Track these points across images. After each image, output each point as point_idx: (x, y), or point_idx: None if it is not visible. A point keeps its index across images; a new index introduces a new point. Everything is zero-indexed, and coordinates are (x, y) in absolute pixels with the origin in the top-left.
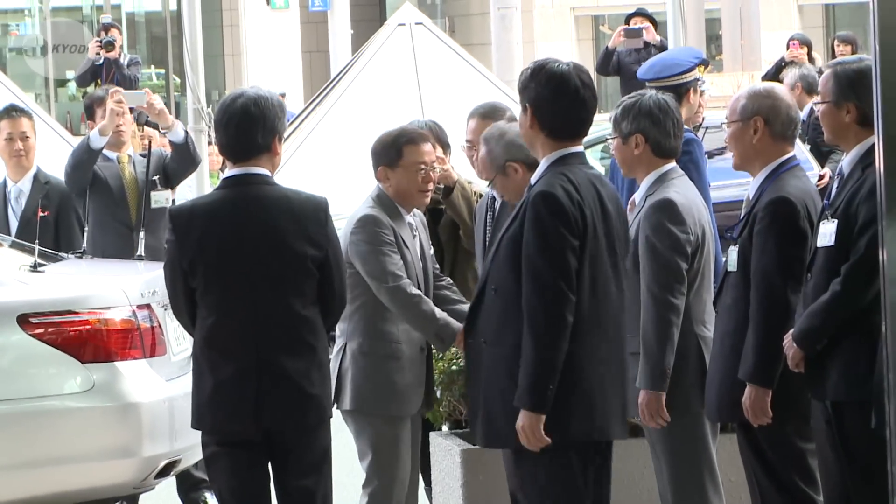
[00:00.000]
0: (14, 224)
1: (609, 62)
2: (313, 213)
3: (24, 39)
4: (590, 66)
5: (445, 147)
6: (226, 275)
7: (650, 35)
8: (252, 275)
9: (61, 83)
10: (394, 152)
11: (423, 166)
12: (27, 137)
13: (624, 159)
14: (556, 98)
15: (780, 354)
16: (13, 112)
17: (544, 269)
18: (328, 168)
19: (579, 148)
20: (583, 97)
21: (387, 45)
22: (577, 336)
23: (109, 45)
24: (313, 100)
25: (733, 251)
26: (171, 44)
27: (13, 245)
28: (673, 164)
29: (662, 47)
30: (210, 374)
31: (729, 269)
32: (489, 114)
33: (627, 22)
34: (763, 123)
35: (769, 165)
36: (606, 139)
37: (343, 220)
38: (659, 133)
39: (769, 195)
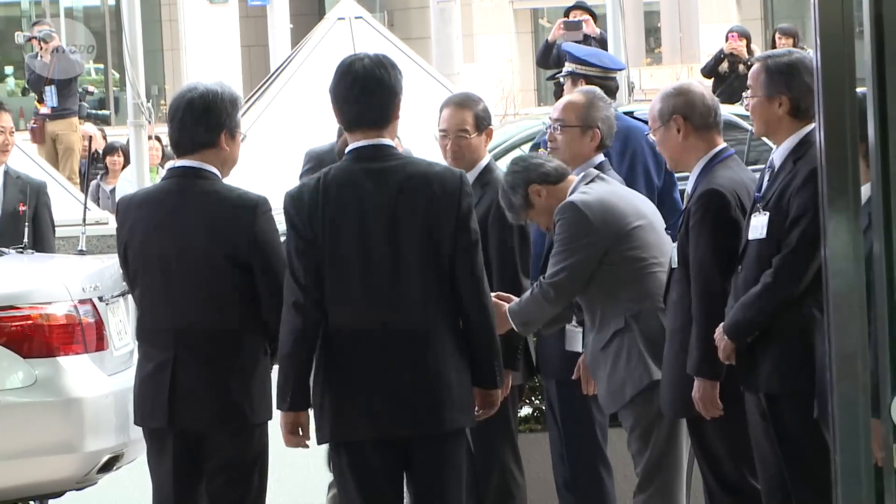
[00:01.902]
0: None
1: (549, 55)
2: (240, 212)
3: None
4: (529, 59)
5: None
6: (147, 267)
7: (590, 28)
8: (170, 270)
9: (1, 78)
10: None
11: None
12: (11, 132)
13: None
14: None
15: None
16: None
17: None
18: (268, 163)
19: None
20: None
21: (326, 40)
22: None
23: (48, 37)
24: (252, 94)
25: (674, 248)
26: (109, 39)
27: None
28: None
29: (602, 40)
30: (139, 370)
31: (672, 266)
32: (463, 102)
33: (567, 15)
34: (683, 120)
35: (702, 159)
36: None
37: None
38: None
39: (701, 189)
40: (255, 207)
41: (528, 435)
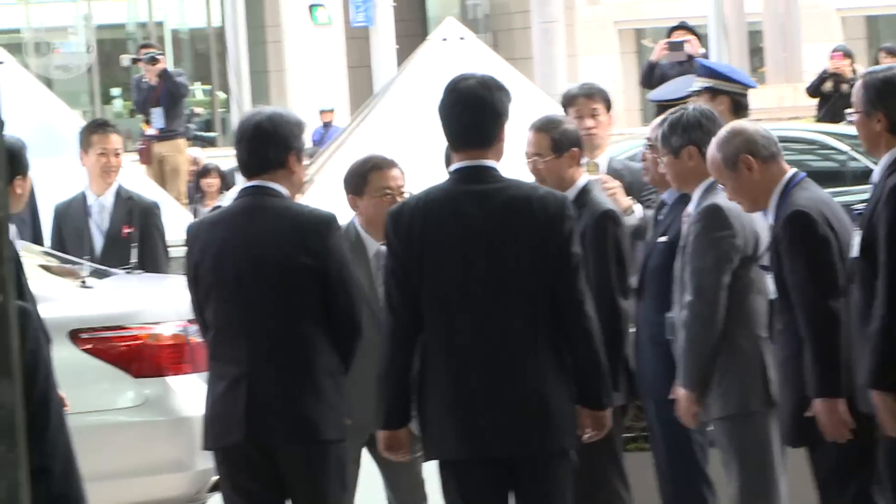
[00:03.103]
0: (98, 239)
1: (652, 75)
2: (314, 226)
3: (69, 57)
4: (633, 79)
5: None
6: (222, 284)
7: (693, 48)
8: (245, 284)
9: (107, 100)
10: (360, 179)
11: (388, 191)
12: (118, 153)
13: (678, 173)
14: None
15: (839, 363)
16: (106, 127)
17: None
18: None
19: None
20: None
21: (430, 60)
22: None
23: (153, 60)
24: (358, 115)
25: (770, 280)
26: (215, 60)
27: (63, 261)
28: None
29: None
30: (211, 391)
31: (771, 297)
32: (540, 126)
33: (670, 35)
34: (751, 158)
35: (775, 190)
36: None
37: None
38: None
39: (783, 213)
40: (329, 222)
41: (635, 454)
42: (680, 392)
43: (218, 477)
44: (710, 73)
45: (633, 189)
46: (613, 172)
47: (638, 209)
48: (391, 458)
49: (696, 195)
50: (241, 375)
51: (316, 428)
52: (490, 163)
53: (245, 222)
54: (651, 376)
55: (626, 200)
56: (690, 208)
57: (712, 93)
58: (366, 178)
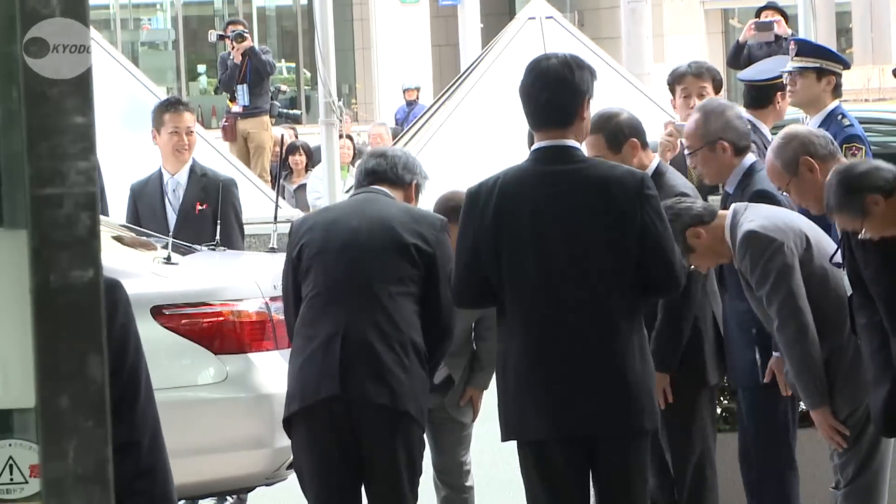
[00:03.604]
0: (172, 217)
1: (740, 56)
2: (429, 219)
3: (156, 33)
4: (719, 59)
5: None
6: (326, 252)
7: (781, 28)
8: (351, 252)
9: (193, 76)
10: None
11: None
12: (191, 132)
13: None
14: None
15: None
16: (178, 105)
17: None
18: (457, 163)
19: None
20: None
21: (517, 39)
22: None
23: (240, 38)
24: (443, 94)
25: (844, 276)
26: (301, 38)
27: (142, 235)
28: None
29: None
30: (295, 357)
31: (850, 294)
32: (595, 127)
33: (758, 15)
34: (811, 159)
35: None
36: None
37: None
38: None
39: None
40: (443, 222)
41: (719, 435)
42: (814, 416)
43: (292, 452)
44: (819, 52)
45: None
46: None
47: None
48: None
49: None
50: (335, 334)
51: (401, 398)
52: (570, 142)
53: (361, 207)
54: (739, 364)
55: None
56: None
57: (819, 73)
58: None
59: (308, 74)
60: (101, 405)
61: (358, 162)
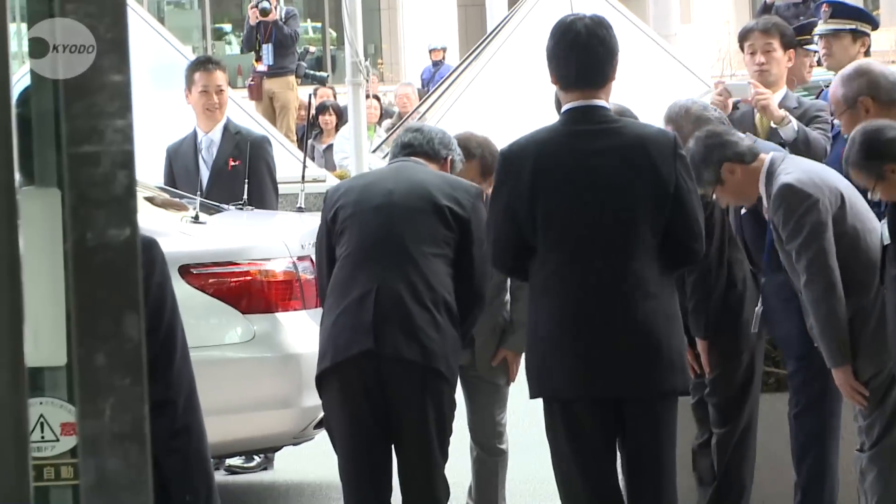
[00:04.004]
0: (205, 175)
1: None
2: (464, 185)
3: None
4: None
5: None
6: (360, 213)
7: None
8: (386, 212)
9: (219, 36)
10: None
11: None
12: (221, 90)
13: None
14: None
15: None
16: (208, 64)
17: None
18: (484, 123)
19: None
20: None
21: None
22: None
23: (265, 12)
24: (469, 55)
25: (883, 224)
26: None
27: (173, 196)
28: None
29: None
30: (329, 314)
31: (885, 243)
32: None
33: None
34: (871, 101)
35: None
36: None
37: None
38: None
39: None
40: (478, 189)
41: (770, 396)
42: (835, 375)
43: (323, 410)
44: (854, 13)
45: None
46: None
47: (794, 121)
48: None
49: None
50: (368, 291)
51: (433, 355)
52: (601, 102)
53: (393, 172)
54: (783, 335)
55: (780, 112)
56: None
57: (854, 34)
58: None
59: (334, 34)
60: (137, 363)
61: (387, 125)
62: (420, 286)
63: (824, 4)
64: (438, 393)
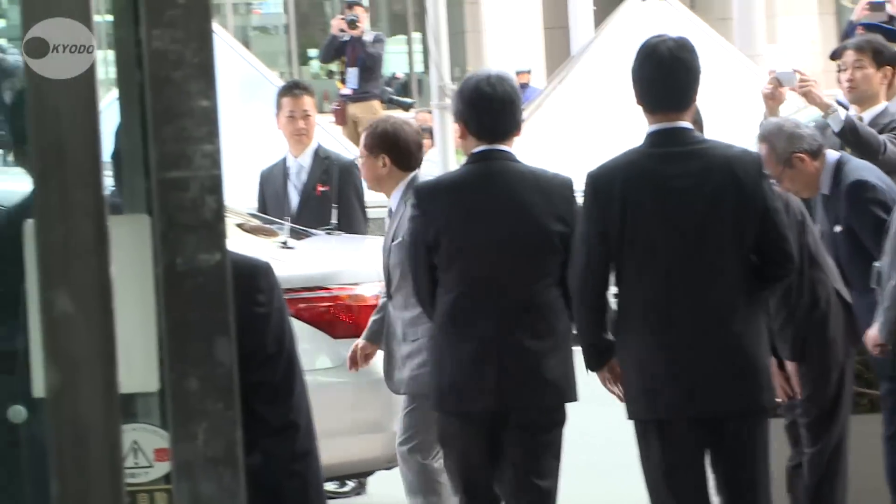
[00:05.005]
0: (294, 200)
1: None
2: (560, 190)
3: (268, 17)
4: (832, 40)
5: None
6: (470, 248)
7: (894, 7)
8: (497, 249)
9: (305, 61)
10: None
11: None
12: (308, 115)
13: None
14: None
15: None
16: (295, 90)
17: None
18: (570, 145)
19: None
20: None
21: (628, 22)
22: None
23: (353, 24)
24: (554, 77)
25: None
26: (411, 21)
27: (263, 222)
28: None
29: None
30: (450, 354)
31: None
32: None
33: None
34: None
35: None
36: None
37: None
38: None
39: None
40: (572, 186)
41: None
42: (870, 333)
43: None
44: None
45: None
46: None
47: (842, 110)
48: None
49: None
50: (490, 340)
51: (562, 391)
52: (686, 124)
53: (493, 189)
54: (875, 356)
55: (825, 100)
56: None
57: None
58: None
59: (420, 58)
60: (229, 388)
61: None
62: (539, 326)
63: None
64: (561, 414)
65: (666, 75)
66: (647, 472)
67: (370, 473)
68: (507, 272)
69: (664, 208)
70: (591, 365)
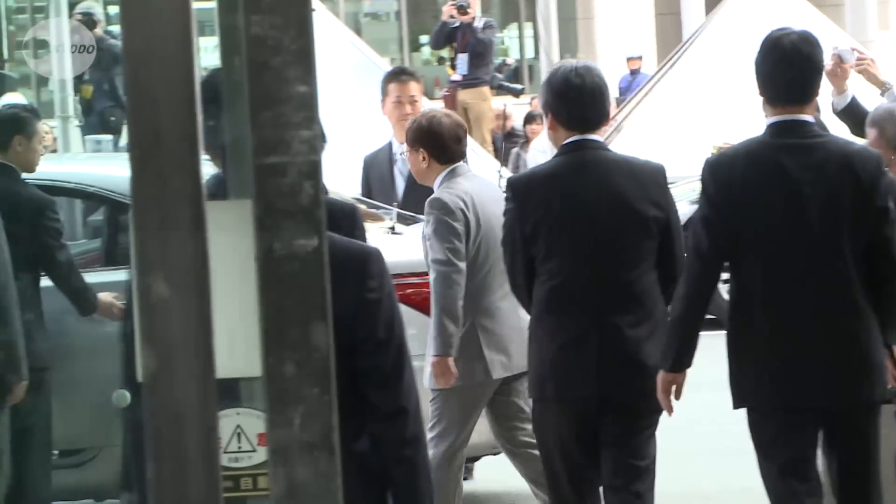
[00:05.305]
0: (400, 185)
1: None
2: (654, 176)
3: (379, 4)
4: None
5: None
6: (568, 238)
7: None
8: (595, 237)
9: (416, 47)
10: None
11: None
12: (415, 101)
13: None
14: None
15: None
16: (402, 75)
17: None
18: (680, 132)
19: None
20: None
21: (740, 8)
22: None
23: (463, 9)
24: (665, 63)
25: None
26: (524, 7)
27: (370, 207)
28: None
29: None
30: (550, 341)
31: None
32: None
33: None
34: None
35: None
36: None
37: (689, 184)
38: None
39: None
40: (664, 172)
41: None
42: None
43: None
44: None
45: None
46: None
47: None
48: (665, 401)
49: None
50: (589, 327)
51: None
52: (807, 117)
53: (586, 177)
54: None
55: (881, 77)
56: None
57: None
58: None
59: (531, 44)
60: (325, 373)
61: None
62: (637, 312)
63: None
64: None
65: (788, 69)
66: (763, 461)
67: (477, 459)
68: (605, 260)
69: (784, 198)
70: (683, 363)
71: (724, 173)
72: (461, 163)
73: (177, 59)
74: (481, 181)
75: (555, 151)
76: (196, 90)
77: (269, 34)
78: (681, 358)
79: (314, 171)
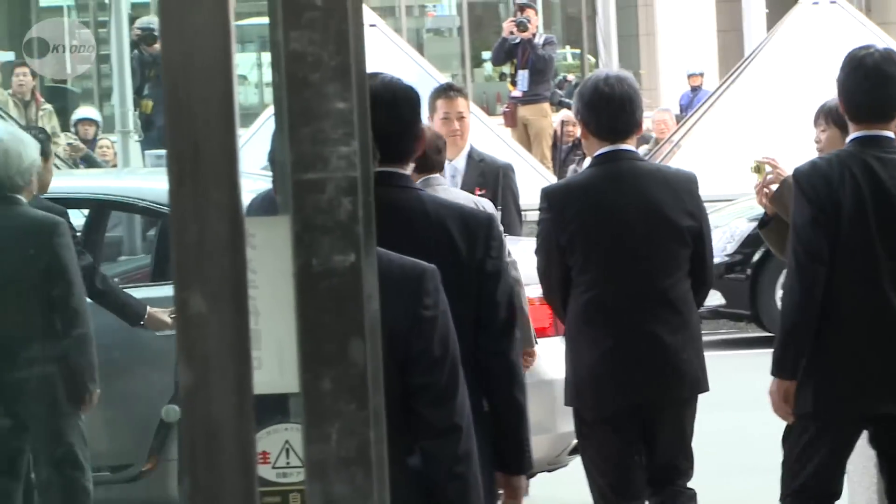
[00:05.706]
0: None
1: None
2: (686, 185)
3: (441, 20)
4: None
5: None
6: (606, 249)
7: None
8: (632, 247)
9: (478, 63)
10: None
11: None
12: (463, 117)
13: None
14: None
15: None
16: (450, 91)
17: None
18: (741, 148)
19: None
20: None
21: (801, 25)
22: None
23: (523, 26)
24: (726, 79)
25: None
26: (585, 24)
27: None
28: None
29: None
30: (588, 351)
31: None
32: None
33: None
34: None
35: None
36: None
37: (748, 201)
38: None
39: None
40: (696, 181)
41: None
42: None
43: (577, 441)
44: None
45: None
46: None
47: None
48: (780, 414)
49: None
50: (626, 336)
51: (698, 382)
52: (889, 133)
53: (621, 186)
54: None
55: None
56: None
57: None
58: None
59: (592, 60)
60: (362, 388)
61: (644, 150)
62: (675, 321)
63: None
64: (693, 409)
65: (871, 87)
66: (814, 471)
67: (533, 475)
68: (641, 269)
69: (877, 207)
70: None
71: (820, 178)
72: (437, 174)
73: (216, 73)
74: (457, 193)
75: None
76: (234, 103)
77: (307, 50)
78: (798, 366)
79: (352, 186)
